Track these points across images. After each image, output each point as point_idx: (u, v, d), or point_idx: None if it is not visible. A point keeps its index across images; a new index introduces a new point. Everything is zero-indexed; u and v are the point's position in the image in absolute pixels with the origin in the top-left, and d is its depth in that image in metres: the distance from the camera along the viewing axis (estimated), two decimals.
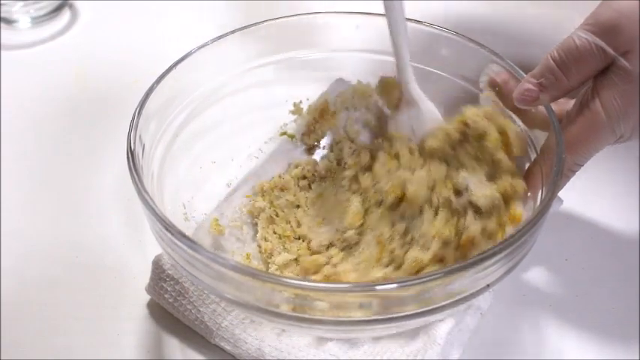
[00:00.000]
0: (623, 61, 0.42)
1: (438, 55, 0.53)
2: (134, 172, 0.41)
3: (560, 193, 0.49)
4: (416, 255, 0.44)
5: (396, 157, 0.49)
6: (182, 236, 0.38)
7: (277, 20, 0.54)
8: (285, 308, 0.37)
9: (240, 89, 0.53)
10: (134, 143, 0.43)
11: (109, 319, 0.48)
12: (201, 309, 0.45)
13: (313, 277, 0.46)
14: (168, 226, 0.38)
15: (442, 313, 0.39)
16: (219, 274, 0.37)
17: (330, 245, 0.48)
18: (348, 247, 0.48)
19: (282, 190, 0.53)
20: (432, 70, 0.54)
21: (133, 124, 0.44)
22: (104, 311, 0.49)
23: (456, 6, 0.78)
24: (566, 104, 0.48)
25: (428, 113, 0.50)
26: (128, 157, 0.42)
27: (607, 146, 0.45)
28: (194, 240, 0.38)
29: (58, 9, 0.79)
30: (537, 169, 0.45)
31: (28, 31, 0.78)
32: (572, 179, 0.46)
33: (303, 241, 0.50)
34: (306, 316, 0.37)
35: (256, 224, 0.51)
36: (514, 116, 0.48)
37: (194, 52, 0.50)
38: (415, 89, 0.50)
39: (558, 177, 0.40)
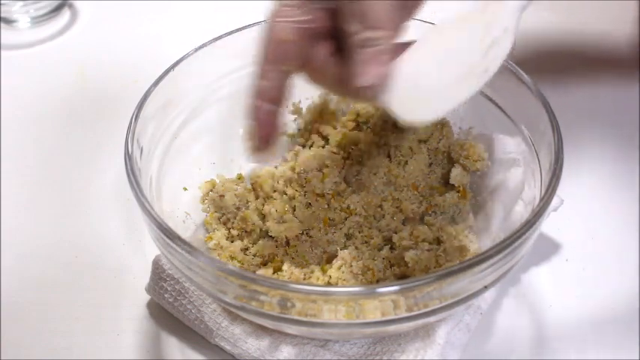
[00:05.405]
0: None
1: None
2: (131, 177, 0.41)
3: (561, 194, 0.49)
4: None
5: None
6: (180, 240, 0.38)
7: None
8: (278, 311, 0.37)
9: (239, 89, 0.53)
10: (131, 147, 0.43)
11: (108, 319, 0.48)
12: (201, 309, 0.45)
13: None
14: (165, 231, 0.38)
15: (441, 315, 0.39)
16: (217, 278, 0.37)
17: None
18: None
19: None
20: None
21: (130, 128, 0.44)
22: (104, 311, 0.49)
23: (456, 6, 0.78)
24: None
25: None
26: (126, 162, 0.42)
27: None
28: (191, 244, 0.38)
29: (57, 9, 0.79)
30: None
31: (28, 31, 0.78)
32: (572, 179, 0.45)
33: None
34: (307, 319, 0.37)
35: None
36: None
37: (191, 53, 0.50)
38: None
39: (556, 177, 0.40)
